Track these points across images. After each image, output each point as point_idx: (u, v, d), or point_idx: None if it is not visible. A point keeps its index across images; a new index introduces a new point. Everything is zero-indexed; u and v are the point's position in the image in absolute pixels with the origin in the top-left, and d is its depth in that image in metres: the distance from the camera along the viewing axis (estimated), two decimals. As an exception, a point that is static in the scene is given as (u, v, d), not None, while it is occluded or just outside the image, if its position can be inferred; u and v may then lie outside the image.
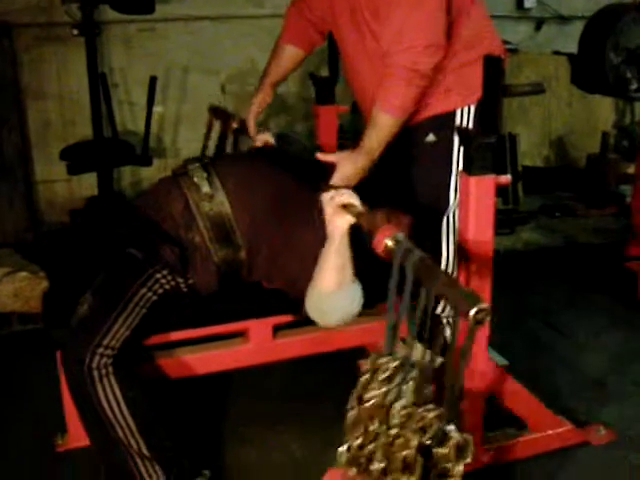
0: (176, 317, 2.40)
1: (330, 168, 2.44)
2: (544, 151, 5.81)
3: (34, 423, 2.71)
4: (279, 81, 2.89)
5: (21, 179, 4.54)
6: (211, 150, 3.09)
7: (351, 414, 1.80)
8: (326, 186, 2.31)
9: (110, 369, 2.10)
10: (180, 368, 2.46)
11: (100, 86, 4.28)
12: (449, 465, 1.60)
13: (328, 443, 2.62)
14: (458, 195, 2.50)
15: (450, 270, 2.71)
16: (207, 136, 3.11)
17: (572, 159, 5.83)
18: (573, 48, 4.29)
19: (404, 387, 1.70)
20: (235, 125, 2.89)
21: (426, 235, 2.67)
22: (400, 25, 2.37)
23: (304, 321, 2.54)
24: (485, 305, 1.50)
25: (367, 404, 1.75)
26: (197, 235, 2.37)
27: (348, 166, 2.42)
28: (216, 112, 3.10)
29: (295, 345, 2.61)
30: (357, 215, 2.09)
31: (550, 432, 2.56)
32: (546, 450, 2.55)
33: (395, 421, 1.67)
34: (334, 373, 2.99)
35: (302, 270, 2.30)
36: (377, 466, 1.70)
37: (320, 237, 2.25)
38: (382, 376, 1.74)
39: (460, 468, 1.60)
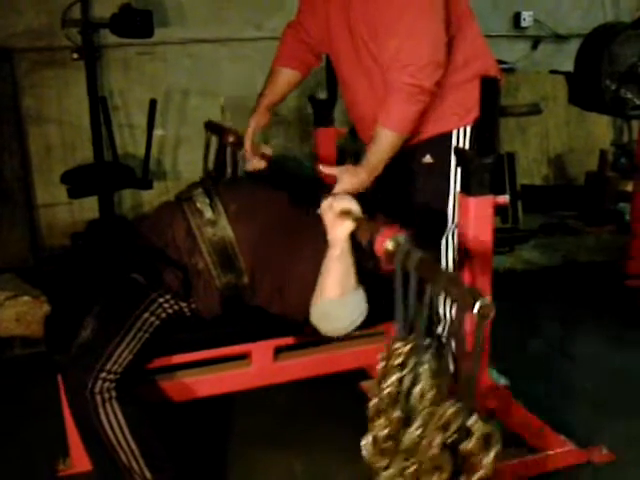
0: (178, 340, 2.41)
1: (330, 190, 2.45)
2: (543, 169, 5.83)
3: (36, 447, 2.71)
4: (276, 103, 2.90)
5: (22, 203, 4.54)
6: (211, 165, 3.09)
7: (372, 403, 1.82)
8: (325, 194, 2.32)
9: (113, 393, 2.11)
10: (183, 391, 2.46)
11: (100, 110, 4.31)
12: (478, 458, 1.61)
13: (331, 463, 2.65)
14: (457, 216, 2.51)
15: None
16: (206, 152, 3.11)
17: (571, 177, 5.84)
18: (570, 67, 4.30)
19: (420, 370, 1.72)
20: (232, 139, 2.89)
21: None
22: (401, 43, 2.39)
23: (305, 343, 2.56)
24: (488, 300, 1.51)
25: (385, 392, 1.77)
26: (200, 260, 2.37)
27: (349, 179, 2.43)
28: (212, 127, 3.11)
29: (296, 367, 2.61)
30: (356, 220, 2.10)
31: (552, 452, 2.55)
32: (548, 470, 2.55)
33: (419, 420, 1.68)
34: (336, 394, 3.00)
35: (301, 297, 2.32)
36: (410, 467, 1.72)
37: (317, 266, 2.26)
38: (396, 361, 1.76)
39: (489, 459, 1.60)
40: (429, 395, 1.68)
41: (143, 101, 4.40)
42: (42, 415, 2.82)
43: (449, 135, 2.63)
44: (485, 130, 2.23)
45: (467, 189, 2.17)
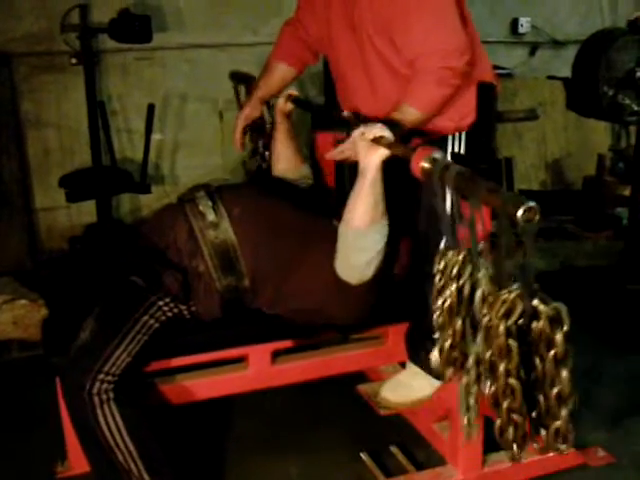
0: (177, 343, 2.41)
1: (330, 192, 2.45)
2: (540, 175, 5.83)
3: (34, 449, 2.71)
4: (269, 97, 2.92)
5: (20, 207, 4.55)
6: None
7: (435, 316, 1.85)
8: (354, 121, 2.30)
9: (111, 395, 2.11)
10: (180, 394, 2.46)
11: (99, 114, 4.32)
12: (548, 338, 1.62)
13: (328, 467, 2.65)
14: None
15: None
16: (238, 102, 3.10)
17: (568, 182, 5.85)
18: (568, 72, 4.31)
19: (479, 275, 1.73)
20: None
21: (424, 260, 2.69)
22: (426, 32, 2.38)
23: (303, 346, 2.56)
24: (532, 203, 1.53)
25: (446, 303, 1.80)
26: (201, 263, 2.37)
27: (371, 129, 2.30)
28: (238, 77, 3.11)
29: (294, 371, 2.61)
30: (390, 146, 2.10)
31: (549, 454, 2.56)
32: (545, 473, 2.56)
33: (484, 311, 1.69)
34: (334, 398, 3.00)
35: (302, 302, 2.32)
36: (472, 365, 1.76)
37: (324, 267, 2.27)
38: (453, 271, 1.79)
39: (559, 337, 1.61)
40: (491, 298, 1.68)
41: (141, 106, 4.41)
42: (40, 418, 2.83)
43: (445, 140, 2.63)
44: (481, 135, 2.23)
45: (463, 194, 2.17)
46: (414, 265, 2.55)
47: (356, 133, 2.18)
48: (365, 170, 2.16)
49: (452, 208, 1.79)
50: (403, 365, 2.76)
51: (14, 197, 4.51)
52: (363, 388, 2.80)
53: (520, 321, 1.64)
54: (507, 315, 1.63)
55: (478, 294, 1.72)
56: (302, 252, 2.39)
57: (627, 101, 4.10)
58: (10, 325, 3.13)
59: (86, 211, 4.59)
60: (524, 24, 5.65)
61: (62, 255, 4.43)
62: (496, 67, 2.82)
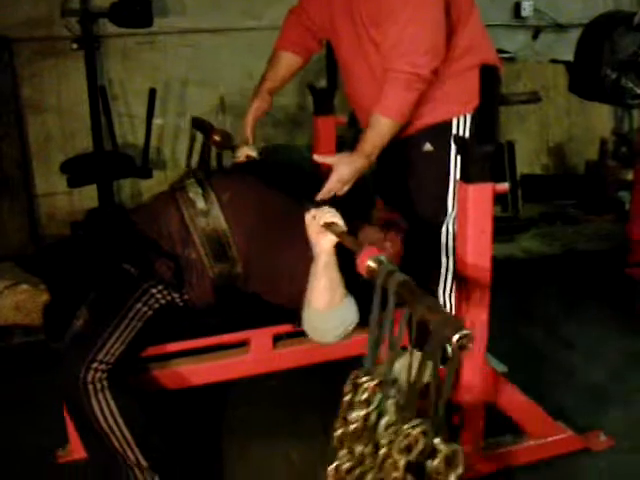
0: (176, 329, 2.41)
1: (322, 179, 2.46)
2: (543, 159, 5.82)
3: (36, 434, 2.72)
4: (276, 88, 2.90)
5: (22, 192, 4.55)
6: (193, 165, 3.08)
7: (337, 434, 1.81)
8: (307, 204, 2.32)
9: (105, 383, 2.11)
10: (181, 379, 2.47)
11: (100, 99, 4.31)
12: (441, 478, 1.59)
13: (328, 451, 2.65)
14: (456, 203, 2.51)
15: (450, 278, 2.72)
16: (190, 149, 3.11)
17: (571, 166, 5.84)
18: (570, 56, 4.29)
19: (387, 403, 1.71)
20: (217, 138, 2.88)
21: (425, 244, 2.69)
22: (400, 32, 2.39)
23: (304, 331, 2.56)
24: (467, 331, 1.49)
25: (351, 426, 1.76)
26: (193, 251, 2.37)
27: (345, 167, 2.44)
28: (198, 125, 3.10)
29: (295, 355, 2.62)
30: (340, 235, 2.10)
31: (550, 439, 2.56)
32: (546, 457, 2.56)
33: (383, 441, 1.66)
34: (333, 381, 2.98)
35: (290, 287, 2.33)
36: None
37: (304, 255, 2.27)
38: (362, 397, 1.75)
39: (453, 479, 1.58)
40: (394, 428, 1.66)
41: (142, 90, 4.40)
42: (42, 403, 2.83)
43: (449, 123, 2.63)
44: (485, 118, 2.22)
45: (467, 177, 2.16)
46: (416, 248, 2.55)
47: (308, 217, 2.21)
48: (317, 255, 2.20)
49: (385, 316, 1.75)
50: (404, 348, 2.76)
51: (15, 182, 4.52)
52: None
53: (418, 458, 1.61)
54: (408, 449, 1.60)
55: (382, 422, 1.69)
56: (287, 238, 2.40)
57: (630, 84, 4.08)
58: (12, 310, 3.13)
59: (87, 196, 4.59)
60: (527, 7, 5.61)
61: (63, 239, 4.43)
62: (499, 51, 2.81)
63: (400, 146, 2.66)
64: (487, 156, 2.15)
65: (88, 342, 2.15)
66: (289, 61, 2.88)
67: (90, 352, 2.12)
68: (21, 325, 3.29)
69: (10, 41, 4.42)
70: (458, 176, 2.42)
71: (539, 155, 5.79)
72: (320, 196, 2.43)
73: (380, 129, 2.45)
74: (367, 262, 1.83)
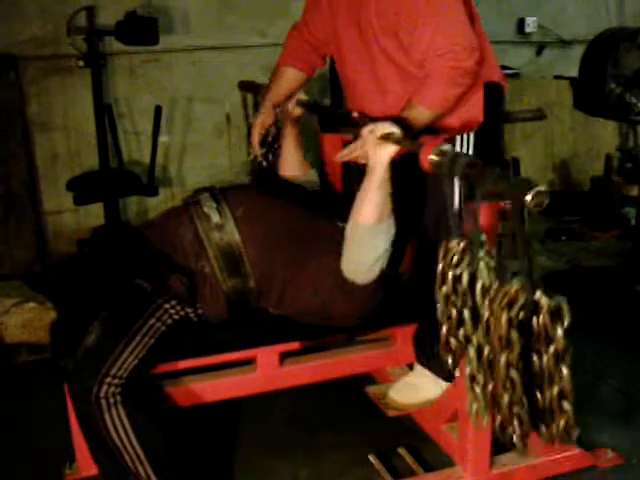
0: (184, 346, 2.41)
1: (335, 198, 2.46)
2: (548, 175, 5.83)
3: (43, 452, 2.72)
4: (280, 102, 2.90)
5: (29, 210, 4.56)
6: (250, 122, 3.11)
7: (438, 306, 1.87)
8: (363, 121, 2.31)
9: (118, 398, 2.11)
10: (188, 396, 2.46)
11: (106, 117, 4.33)
12: (549, 332, 1.61)
13: (336, 469, 2.65)
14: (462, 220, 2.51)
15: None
16: (245, 110, 3.12)
17: (576, 182, 5.85)
18: (575, 72, 4.31)
19: (479, 266, 1.74)
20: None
21: (431, 261, 2.69)
22: (434, 31, 2.37)
23: (311, 348, 2.56)
24: (541, 187, 1.52)
25: (443, 291, 1.83)
26: (207, 265, 2.37)
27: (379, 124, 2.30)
28: (246, 86, 3.12)
29: (302, 372, 2.61)
30: (399, 142, 2.10)
31: (558, 456, 2.55)
32: (554, 474, 2.55)
33: (486, 301, 1.71)
34: (342, 399, 3.00)
35: (314, 299, 2.32)
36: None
37: (328, 267, 2.27)
38: (453, 259, 1.81)
39: (560, 332, 1.61)
40: (491, 290, 1.69)
41: (148, 108, 4.42)
42: (48, 421, 2.83)
43: (453, 141, 2.63)
44: (489, 136, 2.22)
45: (472, 195, 2.16)
46: (421, 265, 2.55)
47: (365, 130, 2.18)
48: (374, 168, 2.17)
49: (459, 199, 1.78)
50: (411, 367, 2.76)
51: (22, 200, 4.53)
52: (371, 390, 2.80)
53: (521, 315, 1.64)
54: (509, 306, 1.63)
55: (479, 285, 1.73)
56: (306, 252, 2.39)
57: (634, 100, 4.10)
58: (19, 328, 3.15)
59: (94, 214, 4.61)
60: (531, 24, 5.64)
61: (70, 258, 4.44)
62: (503, 67, 2.81)
63: (404, 163, 2.66)
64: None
65: (101, 357, 2.15)
66: (292, 76, 2.89)
67: (103, 366, 2.12)
68: (27, 343, 3.31)
69: (17, 59, 4.44)
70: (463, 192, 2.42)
71: (544, 171, 5.80)
72: (343, 154, 2.38)
73: (417, 114, 2.41)
74: (430, 156, 1.85)
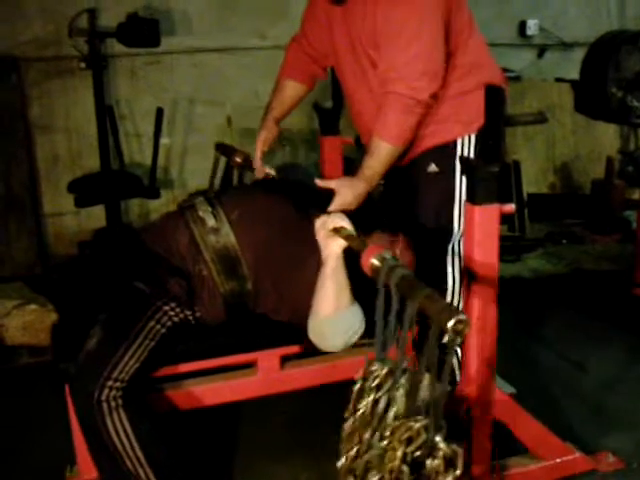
0: (185, 349, 2.41)
1: (332, 196, 2.46)
2: (549, 178, 5.83)
3: (43, 455, 2.72)
4: (283, 116, 2.90)
5: (30, 212, 4.57)
6: (217, 185, 3.10)
7: (347, 424, 1.82)
8: (319, 212, 2.33)
9: (119, 402, 2.11)
10: (189, 400, 2.46)
11: (107, 118, 4.33)
12: (439, 478, 1.59)
13: (337, 473, 2.64)
14: (462, 224, 2.51)
15: (456, 299, 2.72)
16: (213, 172, 3.12)
17: (577, 185, 5.84)
18: (576, 75, 4.30)
19: (396, 394, 1.71)
20: (239, 160, 2.89)
21: (432, 264, 2.69)
22: (397, 54, 2.40)
23: (312, 351, 2.55)
24: (463, 317, 1.49)
25: (359, 413, 1.77)
26: (204, 268, 2.37)
27: (347, 192, 2.44)
28: (222, 149, 3.12)
29: (303, 376, 2.61)
30: (347, 238, 2.11)
31: (558, 460, 2.55)
32: (555, 478, 2.54)
33: (387, 432, 1.67)
34: (343, 403, 2.99)
35: (305, 304, 2.32)
36: (374, 478, 1.70)
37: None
38: (372, 384, 1.76)
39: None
40: (397, 422, 1.66)
41: (150, 110, 4.43)
42: (49, 423, 2.83)
43: (454, 144, 2.64)
44: (490, 138, 2.22)
45: (473, 198, 2.16)
46: (421, 270, 2.55)
47: (318, 223, 2.24)
48: (326, 259, 2.22)
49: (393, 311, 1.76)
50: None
51: (23, 203, 4.54)
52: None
53: (417, 453, 1.62)
54: (408, 441, 1.61)
55: (391, 413, 1.69)
56: (303, 255, 2.39)
57: (636, 103, 4.09)
58: (20, 330, 3.15)
59: (95, 216, 4.61)
60: (532, 26, 5.64)
61: (71, 259, 4.44)
62: (504, 70, 2.81)
63: (405, 168, 2.67)
64: (493, 177, 2.14)
65: (102, 360, 2.14)
66: (294, 89, 2.88)
67: (104, 370, 2.12)
68: (28, 345, 3.31)
69: (18, 61, 4.45)
70: (463, 196, 2.42)
71: (545, 174, 5.79)
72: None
73: (379, 154, 2.46)
74: (371, 260, 1.83)
